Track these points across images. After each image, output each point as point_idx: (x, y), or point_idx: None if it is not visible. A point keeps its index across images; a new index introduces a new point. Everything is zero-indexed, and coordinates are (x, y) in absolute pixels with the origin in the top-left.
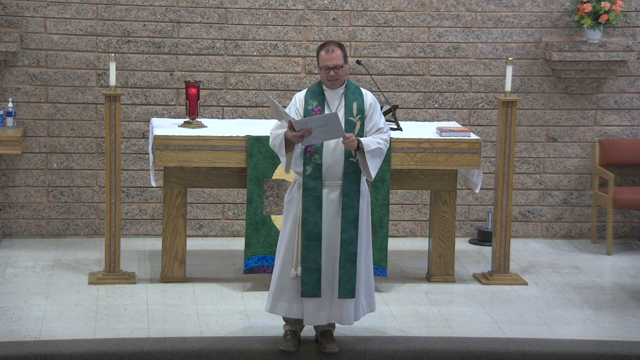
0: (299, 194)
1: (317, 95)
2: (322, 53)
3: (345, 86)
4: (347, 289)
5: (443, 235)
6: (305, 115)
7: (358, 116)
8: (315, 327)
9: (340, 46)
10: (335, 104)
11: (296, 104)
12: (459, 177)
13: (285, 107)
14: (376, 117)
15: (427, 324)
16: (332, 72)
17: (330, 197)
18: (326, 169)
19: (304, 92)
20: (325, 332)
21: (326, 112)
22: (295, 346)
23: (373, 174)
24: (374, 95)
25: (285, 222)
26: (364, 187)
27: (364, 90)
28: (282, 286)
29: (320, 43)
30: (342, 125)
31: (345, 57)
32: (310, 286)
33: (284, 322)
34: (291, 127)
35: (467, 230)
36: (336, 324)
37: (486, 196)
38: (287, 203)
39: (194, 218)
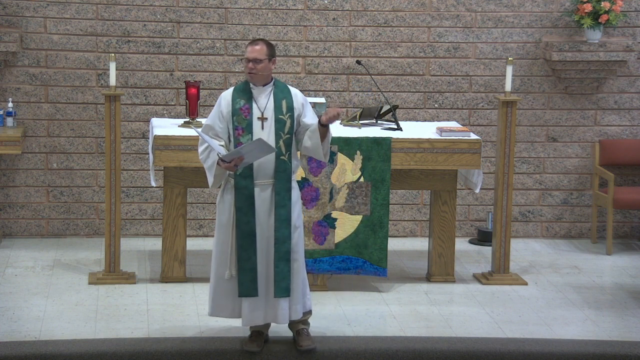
0: (231, 195)
1: (244, 93)
2: (249, 46)
3: (274, 84)
4: (282, 287)
5: (443, 235)
6: (233, 115)
7: (288, 114)
8: (291, 327)
9: (268, 44)
10: (264, 102)
11: (221, 107)
12: (459, 177)
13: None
14: (311, 113)
15: (427, 324)
16: (250, 64)
17: (262, 196)
18: (257, 167)
19: (230, 91)
20: (300, 330)
21: (254, 109)
22: (259, 347)
23: (327, 156)
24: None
25: (218, 223)
26: (295, 185)
27: (292, 89)
28: (220, 288)
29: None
30: (271, 143)
31: (270, 55)
32: (246, 286)
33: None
34: (222, 160)
35: (467, 230)
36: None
37: (486, 196)
38: (218, 204)
39: (194, 218)
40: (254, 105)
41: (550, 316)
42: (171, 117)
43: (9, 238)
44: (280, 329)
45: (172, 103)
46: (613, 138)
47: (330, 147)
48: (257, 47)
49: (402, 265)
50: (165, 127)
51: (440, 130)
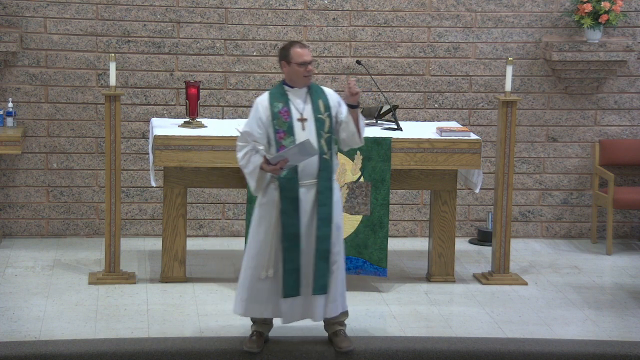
0: (274, 195)
1: (281, 97)
2: (297, 49)
3: (308, 85)
4: (320, 285)
5: (443, 235)
6: (273, 119)
7: (326, 113)
8: (327, 328)
9: None
10: (301, 103)
11: (259, 113)
12: (459, 177)
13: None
14: (346, 109)
15: (427, 324)
16: (309, 67)
17: (307, 196)
18: (301, 168)
19: (265, 96)
20: (337, 332)
21: (292, 111)
22: (259, 347)
23: (363, 135)
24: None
25: (259, 224)
26: (336, 183)
27: (326, 89)
28: (256, 288)
29: (283, 44)
30: (313, 143)
31: None
32: (290, 287)
33: (252, 323)
34: (267, 162)
35: (467, 230)
36: (346, 322)
37: (486, 196)
38: (261, 205)
39: (194, 218)
40: (292, 108)
41: (550, 316)
42: (171, 117)
43: (9, 238)
44: (281, 329)
45: (172, 103)
46: (613, 138)
47: None
48: (308, 50)
49: (402, 265)
50: (165, 127)
51: (440, 130)
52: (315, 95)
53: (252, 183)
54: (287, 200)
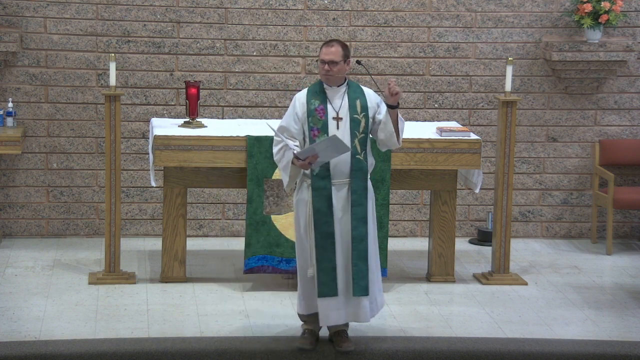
0: (308, 194)
1: (318, 94)
2: (323, 47)
3: (347, 85)
4: (361, 286)
5: (443, 235)
6: (308, 116)
7: (362, 114)
8: (329, 327)
9: (343, 45)
10: (338, 102)
11: (296, 108)
12: (459, 177)
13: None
14: (385, 110)
15: (427, 324)
16: (326, 67)
17: (339, 195)
18: (334, 167)
19: (304, 92)
20: (340, 332)
21: (329, 110)
22: (312, 344)
23: (401, 137)
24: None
25: (297, 223)
26: (370, 184)
27: (365, 89)
28: (308, 285)
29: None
30: (347, 143)
31: (345, 57)
32: (326, 285)
33: (302, 322)
34: (297, 157)
35: (467, 230)
36: (349, 323)
37: (486, 196)
38: (296, 204)
39: (194, 218)
40: (329, 106)
41: (550, 316)
42: (171, 117)
43: (9, 238)
44: (282, 328)
45: (172, 103)
46: (613, 138)
47: None
48: (333, 49)
49: (402, 265)
50: (165, 127)
51: (440, 130)
52: (353, 95)
53: (284, 178)
54: (320, 199)
